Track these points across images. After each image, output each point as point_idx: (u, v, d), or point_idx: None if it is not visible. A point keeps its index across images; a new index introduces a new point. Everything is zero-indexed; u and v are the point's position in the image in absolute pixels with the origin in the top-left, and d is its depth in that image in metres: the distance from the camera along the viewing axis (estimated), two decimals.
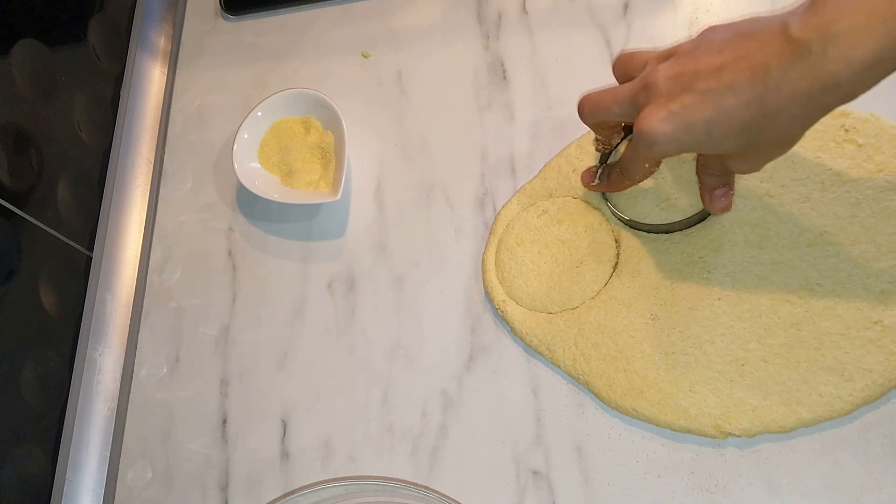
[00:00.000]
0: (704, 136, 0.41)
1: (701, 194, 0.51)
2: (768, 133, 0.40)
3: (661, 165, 0.56)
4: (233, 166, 0.64)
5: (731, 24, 0.42)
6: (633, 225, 0.56)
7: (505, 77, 0.66)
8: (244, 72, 0.73)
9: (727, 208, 0.51)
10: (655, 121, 0.42)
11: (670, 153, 0.44)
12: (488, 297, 0.58)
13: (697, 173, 0.51)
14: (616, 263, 0.55)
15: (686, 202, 0.55)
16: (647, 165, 0.48)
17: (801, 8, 0.37)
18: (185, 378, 0.62)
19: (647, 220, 0.55)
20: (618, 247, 0.56)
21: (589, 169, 0.56)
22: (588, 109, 0.49)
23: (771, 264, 0.51)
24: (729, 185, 0.50)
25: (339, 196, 0.60)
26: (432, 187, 0.63)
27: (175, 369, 0.63)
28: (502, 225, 0.59)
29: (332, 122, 0.64)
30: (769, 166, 0.53)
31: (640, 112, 0.43)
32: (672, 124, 0.42)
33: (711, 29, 0.43)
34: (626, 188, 0.53)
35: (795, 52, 0.37)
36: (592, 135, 0.60)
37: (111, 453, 0.60)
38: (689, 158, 0.56)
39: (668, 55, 0.44)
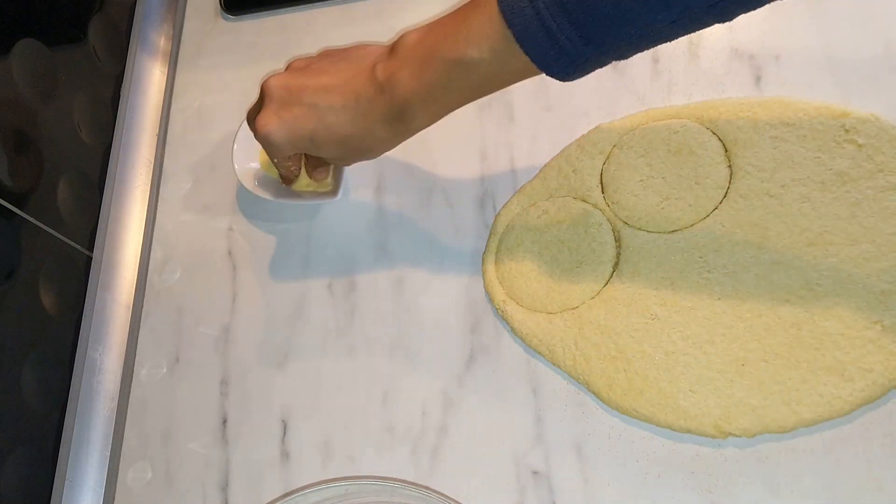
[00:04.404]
0: (308, 143, 0.50)
1: (307, 170, 0.59)
2: (361, 145, 0.50)
3: (662, 165, 0.56)
4: (233, 166, 0.64)
5: (344, 50, 0.51)
6: (633, 224, 0.56)
7: None
8: (244, 72, 0.73)
9: (324, 179, 0.60)
10: (268, 124, 0.50)
11: (284, 153, 0.53)
12: (488, 297, 0.58)
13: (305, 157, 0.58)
14: (616, 263, 0.55)
15: (686, 202, 0.55)
16: (275, 159, 0.55)
17: (387, 50, 0.48)
18: (185, 378, 0.62)
19: (647, 220, 0.55)
20: (618, 247, 0.56)
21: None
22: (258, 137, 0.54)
23: (771, 264, 0.51)
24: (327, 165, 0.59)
25: (339, 196, 0.60)
26: (432, 187, 0.63)
27: (175, 369, 0.63)
28: (502, 225, 0.59)
29: None
30: (769, 166, 0.54)
31: (258, 115, 0.51)
32: (282, 130, 0.50)
33: (326, 51, 0.52)
34: (290, 176, 0.59)
35: (377, 88, 0.47)
36: (592, 135, 0.61)
37: (111, 453, 0.60)
38: (690, 159, 0.56)
39: (286, 68, 0.53)
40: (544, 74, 0.42)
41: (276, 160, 0.55)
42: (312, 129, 0.49)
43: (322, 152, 0.52)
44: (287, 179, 0.59)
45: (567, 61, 0.41)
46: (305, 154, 0.57)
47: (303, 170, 0.64)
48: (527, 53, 0.41)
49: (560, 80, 0.43)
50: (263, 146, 0.53)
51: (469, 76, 0.44)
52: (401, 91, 0.46)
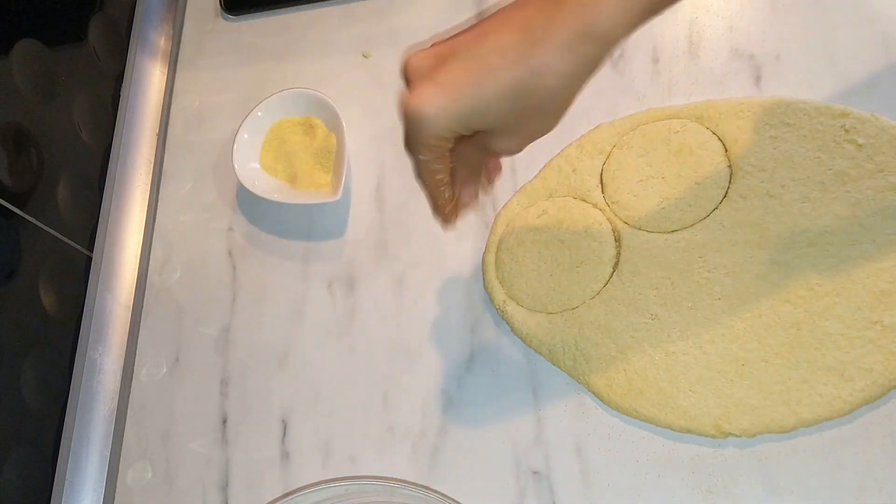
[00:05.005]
0: (475, 103, 0.39)
1: (454, 188, 0.46)
2: (538, 93, 0.38)
3: (662, 165, 0.56)
4: (233, 166, 0.64)
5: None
6: (633, 224, 0.56)
7: None
8: (244, 72, 0.73)
9: (474, 204, 0.47)
10: (421, 97, 0.39)
11: (441, 131, 0.40)
12: (488, 297, 0.58)
13: (453, 167, 0.44)
14: (616, 263, 0.55)
15: (686, 202, 0.55)
16: (422, 157, 0.42)
17: None
18: (185, 378, 0.62)
19: (647, 220, 0.55)
20: (618, 247, 0.56)
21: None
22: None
23: (771, 264, 0.51)
24: (480, 177, 0.46)
25: (339, 196, 0.60)
26: None
27: (175, 369, 0.63)
28: (502, 225, 0.59)
29: (333, 123, 0.64)
30: (769, 166, 0.54)
31: (403, 97, 0.40)
32: (439, 96, 0.39)
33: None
34: (440, 199, 0.45)
35: (554, 5, 0.37)
36: (592, 135, 0.60)
37: (111, 453, 0.60)
38: (691, 159, 0.56)
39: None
40: None
41: (420, 158, 0.42)
42: (478, 80, 0.38)
43: (488, 118, 0.40)
44: (437, 200, 0.45)
45: None
46: (459, 161, 0.44)
47: (303, 168, 0.64)
48: None
49: None
50: (411, 132, 0.40)
51: None
52: None
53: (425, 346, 0.58)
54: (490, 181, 0.48)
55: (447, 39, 0.41)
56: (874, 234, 0.50)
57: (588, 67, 0.38)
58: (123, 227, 0.68)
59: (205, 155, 0.71)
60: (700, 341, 0.51)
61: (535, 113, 0.40)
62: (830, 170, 0.52)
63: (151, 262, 0.68)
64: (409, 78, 0.41)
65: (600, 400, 0.53)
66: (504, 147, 0.42)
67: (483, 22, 0.40)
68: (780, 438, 0.49)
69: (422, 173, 0.43)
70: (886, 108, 0.53)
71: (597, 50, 0.38)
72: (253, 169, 0.65)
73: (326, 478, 0.56)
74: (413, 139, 0.41)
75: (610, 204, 0.57)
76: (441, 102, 0.39)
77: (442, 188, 0.44)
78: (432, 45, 0.41)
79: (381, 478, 0.55)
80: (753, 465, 0.49)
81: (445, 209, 0.46)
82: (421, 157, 0.42)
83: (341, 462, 0.56)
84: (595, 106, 0.61)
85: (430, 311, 0.59)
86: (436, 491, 0.52)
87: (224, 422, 0.60)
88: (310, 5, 0.74)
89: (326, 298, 0.62)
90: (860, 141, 0.52)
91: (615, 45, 0.38)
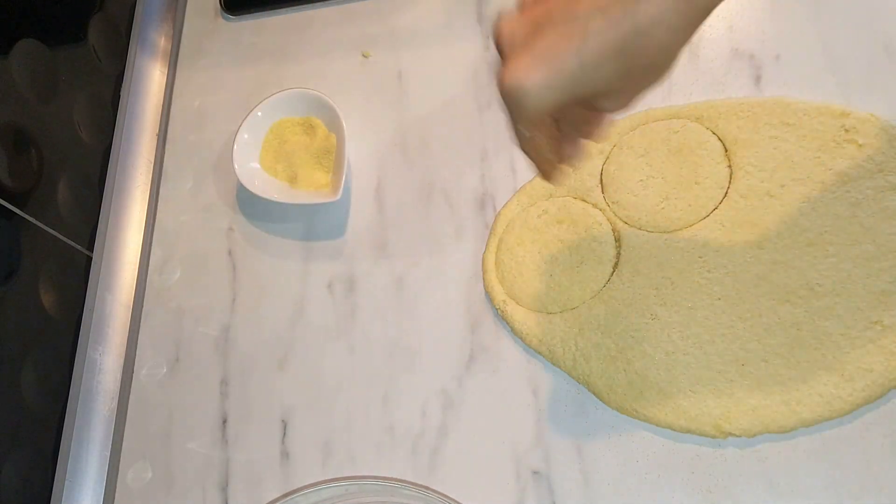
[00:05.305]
0: (578, 71, 0.36)
1: (553, 147, 0.43)
2: (647, 52, 0.35)
3: (662, 165, 0.56)
4: (233, 166, 0.64)
5: None
6: (633, 224, 0.56)
7: None
8: (244, 72, 0.73)
9: (581, 158, 0.43)
10: (519, 71, 0.36)
11: (544, 105, 0.37)
12: (488, 297, 0.58)
13: (558, 127, 0.42)
14: (616, 263, 0.55)
15: (686, 202, 0.55)
16: (523, 131, 0.40)
17: None
18: (185, 378, 0.62)
19: (647, 220, 0.55)
20: (618, 247, 0.56)
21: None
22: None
23: (771, 264, 0.51)
24: (585, 131, 0.43)
25: (339, 196, 0.60)
26: (432, 187, 0.63)
27: (175, 369, 0.63)
28: (502, 225, 0.59)
29: (332, 122, 0.64)
30: (769, 166, 0.54)
31: (500, 71, 0.37)
32: (539, 69, 0.36)
33: None
34: (545, 165, 0.43)
35: None
36: None
37: (111, 453, 0.60)
38: (691, 159, 0.56)
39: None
40: None
41: (522, 129, 0.40)
42: (578, 46, 0.35)
43: (594, 84, 0.37)
44: (541, 166, 0.43)
45: None
46: (563, 119, 0.42)
47: (303, 168, 0.64)
48: None
49: None
50: (512, 108, 0.38)
51: None
52: None
53: (425, 346, 0.58)
54: (600, 133, 0.43)
55: (539, 2, 0.37)
56: (874, 234, 0.50)
57: (702, 15, 0.35)
58: (123, 227, 0.68)
59: (205, 155, 0.71)
60: (700, 341, 0.51)
61: (643, 71, 0.37)
62: (830, 170, 0.52)
63: (151, 262, 0.68)
64: (502, 49, 0.38)
65: (600, 400, 0.53)
66: (610, 107, 0.39)
67: None
68: (780, 438, 0.49)
69: (525, 147, 0.41)
70: (886, 108, 0.53)
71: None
72: (253, 169, 0.65)
73: (326, 478, 0.56)
74: (514, 116, 0.38)
75: (610, 204, 0.57)
76: (542, 76, 0.36)
77: (546, 158, 0.41)
78: (523, 10, 0.38)
79: (381, 478, 0.55)
80: (753, 465, 0.49)
81: (551, 173, 0.43)
82: (524, 132, 0.39)
83: (341, 462, 0.56)
84: None
85: (430, 311, 0.59)
86: (436, 491, 0.52)
87: (224, 422, 0.60)
88: (310, 5, 0.74)
89: (326, 298, 0.62)
90: (860, 141, 0.52)
91: None
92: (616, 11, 0.34)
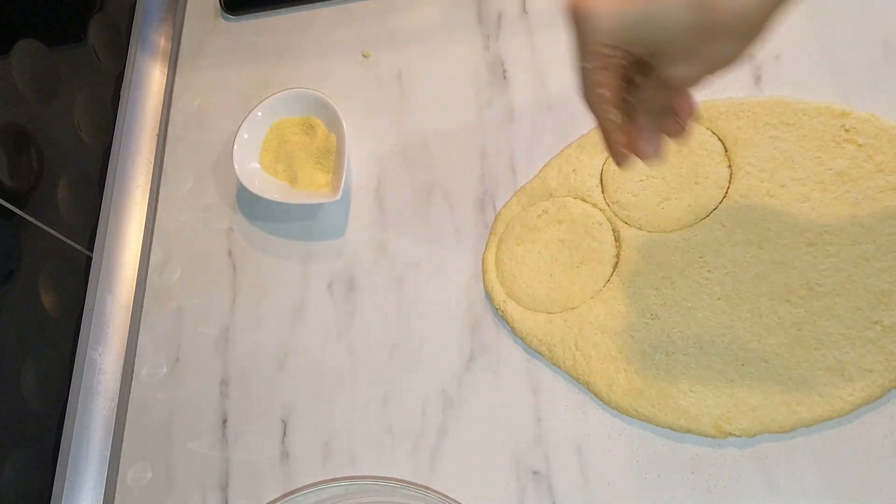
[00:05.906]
0: (650, 6, 0.34)
1: (633, 139, 0.41)
2: (727, 8, 0.33)
3: (662, 165, 0.56)
4: (233, 166, 0.64)
5: None
6: (633, 224, 0.56)
7: (505, 77, 0.66)
8: (244, 72, 0.73)
9: (660, 156, 0.42)
10: None
11: (608, 36, 0.36)
12: (488, 297, 0.58)
13: (639, 109, 0.40)
14: (616, 263, 0.55)
15: (686, 202, 0.55)
16: (586, 65, 0.38)
17: None
18: (185, 378, 0.62)
19: (647, 220, 0.55)
20: (618, 247, 0.56)
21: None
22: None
23: (771, 264, 0.51)
24: (666, 124, 0.41)
25: (339, 196, 0.60)
26: (432, 187, 0.63)
27: (175, 369, 0.63)
28: (502, 225, 0.59)
29: (333, 123, 0.64)
30: (769, 166, 0.54)
31: None
32: None
33: None
34: (608, 126, 0.41)
35: None
36: (593, 135, 0.60)
37: (111, 453, 0.60)
38: (691, 159, 0.56)
39: None
40: None
41: (585, 66, 0.38)
42: None
43: (664, 31, 0.35)
44: (605, 126, 0.40)
45: None
46: (640, 105, 0.40)
47: (303, 168, 0.64)
48: None
49: None
50: (576, 34, 0.36)
51: None
52: None
53: (425, 346, 0.58)
54: (684, 125, 0.41)
55: None
56: (874, 234, 0.50)
57: None
58: (123, 227, 0.68)
59: (205, 155, 0.71)
60: (700, 341, 0.51)
61: (720, 33, 0.34)
62: (830, 170, 0.52)
63: (151, 262, 0.67)
64: None
65: (600, 400, 0.53)
66: (681, 74, 0.37)
67: None
68: (780, 438, 0.49)
69: (586, 87, 0.38)
70: (886, 108, 0.53)
71: None
72: (253, 169, 0.65)
73: (326, 478, 0.56)
74: (577, 43, 0.37)
75: (610, 204, 0.57)
76: (610, 3, 0.35)
77: (609, 111, 0.39)
78: None
79: (381, 478, 0.55)
80: (753, 465, 0.49)
81: (618, 144, 0.41)
82: (585, 64, 0.37)
83: (341, 462, 0.56)
84: None
85: (430, 311, 0.59)
86: (436, 491, 0.52)
87: (224, 422, 0.60)
88: (309, 5, 0.74)
89: (326, 298, 0.62)
90: (860, 141, 0.52)
91: None
92: None
